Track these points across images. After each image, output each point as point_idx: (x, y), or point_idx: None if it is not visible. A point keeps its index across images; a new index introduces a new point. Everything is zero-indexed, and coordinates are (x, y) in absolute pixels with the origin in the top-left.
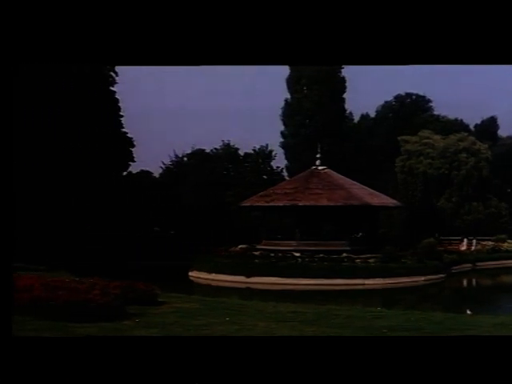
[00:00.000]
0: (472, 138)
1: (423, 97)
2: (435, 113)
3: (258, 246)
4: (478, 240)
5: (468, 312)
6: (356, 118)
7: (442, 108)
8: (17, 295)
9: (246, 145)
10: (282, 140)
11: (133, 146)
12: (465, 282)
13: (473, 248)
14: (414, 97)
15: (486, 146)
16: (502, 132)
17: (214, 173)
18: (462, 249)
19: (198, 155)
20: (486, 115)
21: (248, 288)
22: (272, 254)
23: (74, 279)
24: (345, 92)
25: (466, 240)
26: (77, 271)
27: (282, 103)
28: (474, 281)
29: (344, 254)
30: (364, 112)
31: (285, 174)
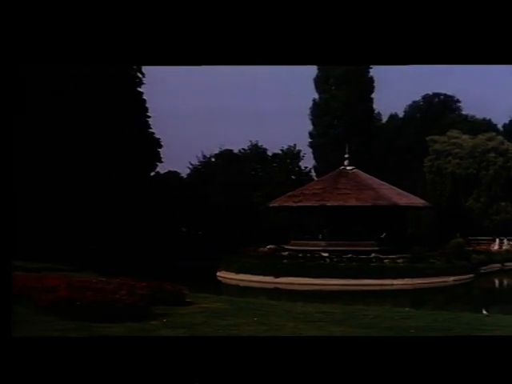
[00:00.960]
0: (500, 138)
1: (451, 97)
2: (463, 113)
3: (287, 247)
4: (508, 240)
5: (484, 312)
6: (384, 118)
7: (470, 108)
8: (43, 295)
9: (274, 145)
10: (310, 140)
11: (160, 146)
12: (494, 282)
13: (504, 247)
14: (441, 97)
15: None
16: None
17: (242, 173)
18: (494, 248)
19: (225, 155)
20: None
21: (276, 288)
22: (300, 255)
23: (101, 279)
24: (373, 92)
25: (497, 240)
26: (104, 272)
27: (311, 103)
28: (502, 281)
29: (372, 255)
30: (392, 112)
31: (313, 174)
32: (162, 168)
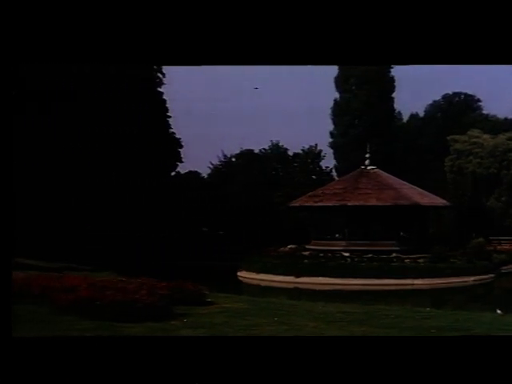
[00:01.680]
0: None
1: (472, 96)
2: (484, 112)
3: (307, 246)
4: None
5: (498, 312)
6: (405, 118)
7: (491, 107)
8: (63, 295)
9: (294, 145)
10: (331, 140)
11: (181, 146)
12: None
13: None
14: (462, 96)
15: None
16: None
17: (263, 173)
18: None
19: (246, 155)
20: None
21: (297, 288)
22: (321, 254)
23: (122, 279)
24: (393, 91)
25: None
26: (125, 272)
27: (331, 103)
28: None
29: (393, 254)
30: (413, 111)
31: (334, 174)
32: (182, 168)
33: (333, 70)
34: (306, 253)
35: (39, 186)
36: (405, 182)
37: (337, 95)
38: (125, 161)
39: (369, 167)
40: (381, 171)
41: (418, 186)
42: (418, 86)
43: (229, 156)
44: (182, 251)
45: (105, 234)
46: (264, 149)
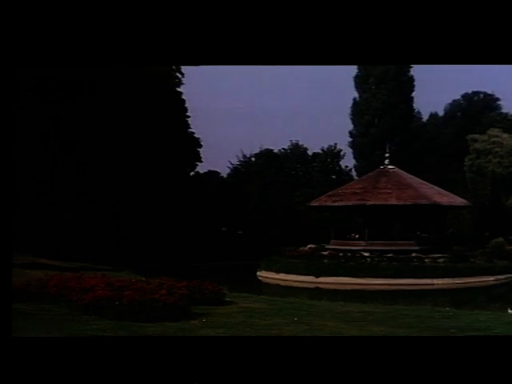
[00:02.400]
0: None
1: (491, 95)
2: (503, 111)
3: (327, 246)
4: None
5: (509, 311)
6: (424, 117)
7: (511, 106)
8: (81, 295)
9: (314, 144)
10: (350, 139)
11: (200, 146)
12: None
13: None
14: (481, 95)
15: None
16: None
17: (282, 173)
18: None
19: (265, 155)
20: None
21: (317, 288)
22: (341, 254)
23: (141, 279)
24: (413, 91)
25: None
26: (144, 271)
27: (351, 102)
28: None
29: (413, 254)
30: (432, 111)
31: (353, 173)
32: (201, 168)
33: (352, 70)
34: (326, 252)
35: (57, 185)
36: (424, 182)
37: (356, 95)
38: (144, 161)
39: (388, 166)
40: (400, 171)
41: (437, 186)
42: (437, 86)
43: (248, 156)
44: (201, 251)
45: (124, 234)
46: (283, 148)
